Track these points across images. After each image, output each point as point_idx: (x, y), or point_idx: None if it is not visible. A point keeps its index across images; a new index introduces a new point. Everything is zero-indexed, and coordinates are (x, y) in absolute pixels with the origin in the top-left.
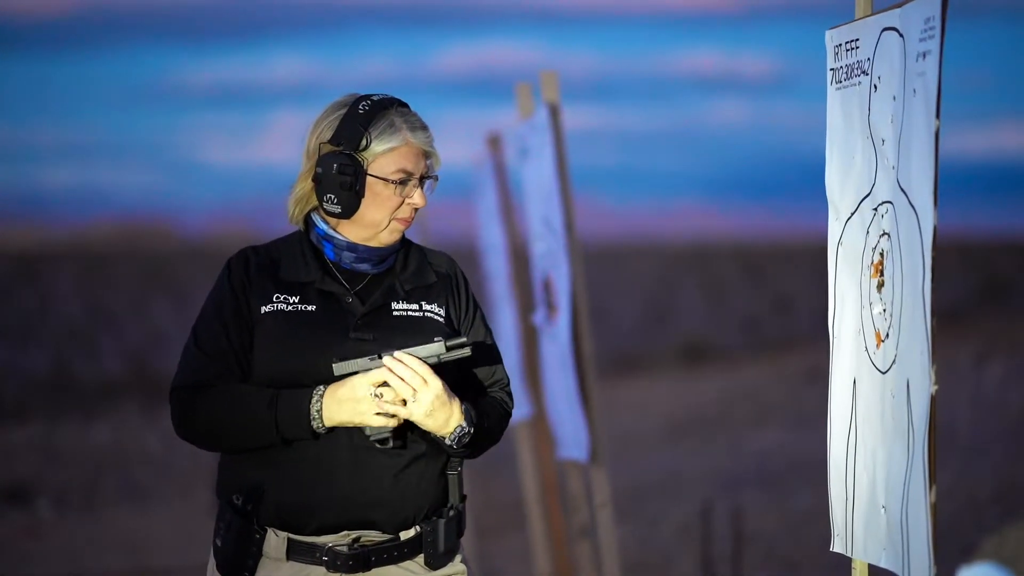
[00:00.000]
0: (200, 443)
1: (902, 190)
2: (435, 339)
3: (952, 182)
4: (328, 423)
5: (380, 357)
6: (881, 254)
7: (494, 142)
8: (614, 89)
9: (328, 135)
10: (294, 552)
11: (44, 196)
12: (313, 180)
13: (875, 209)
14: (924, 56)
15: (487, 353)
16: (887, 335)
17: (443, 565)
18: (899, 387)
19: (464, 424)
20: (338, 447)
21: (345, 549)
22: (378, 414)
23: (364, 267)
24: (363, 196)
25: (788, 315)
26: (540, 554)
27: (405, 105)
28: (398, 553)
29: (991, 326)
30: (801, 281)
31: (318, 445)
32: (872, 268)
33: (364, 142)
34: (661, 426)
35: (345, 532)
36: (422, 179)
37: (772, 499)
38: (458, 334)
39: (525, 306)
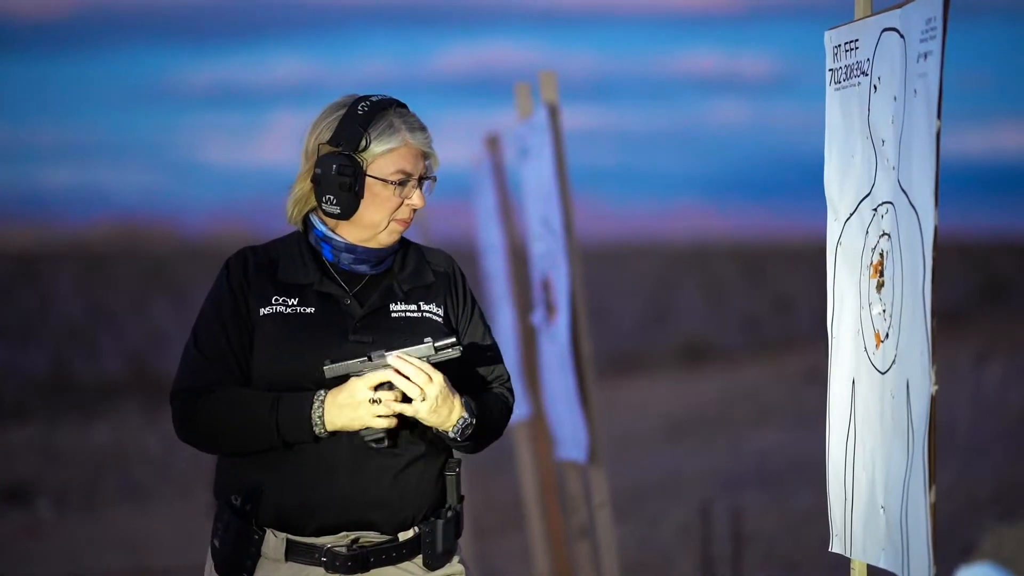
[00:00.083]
0: (201, 446)
1: (903, 190)
2: (424, 340)
3: (952, 182)
4: (330, 427)
5: (370, 359)
6: (881, 254)
7: (493, 142)
8: (614, 89)
9: (327, 136)
10: (293, 553)
11: (44, 196)
12: (312, 181)
13: (874, 209)
14: (925, 57)
15: (487, 350)
16: (887, 335)
17: (441, 566)
18: (899, 387)
19: (466, 416)
20: (337, 448)
21: (344, 550)
22: (379, 416)
23: (363, 268)
24: (362, 197)
25: (788, 315)
26: (539, 554)
27: (404, 106)
28: (397, 554)
29: (991, 326)
30: (801, 281)
31: (317, 447)
32: (871, 268)
33: (363, 143)
34: (661, 426)
35: (344, 533)
36: (421, 180)
37: (772, 499)
38: (456, 333)
39: (524, 306)
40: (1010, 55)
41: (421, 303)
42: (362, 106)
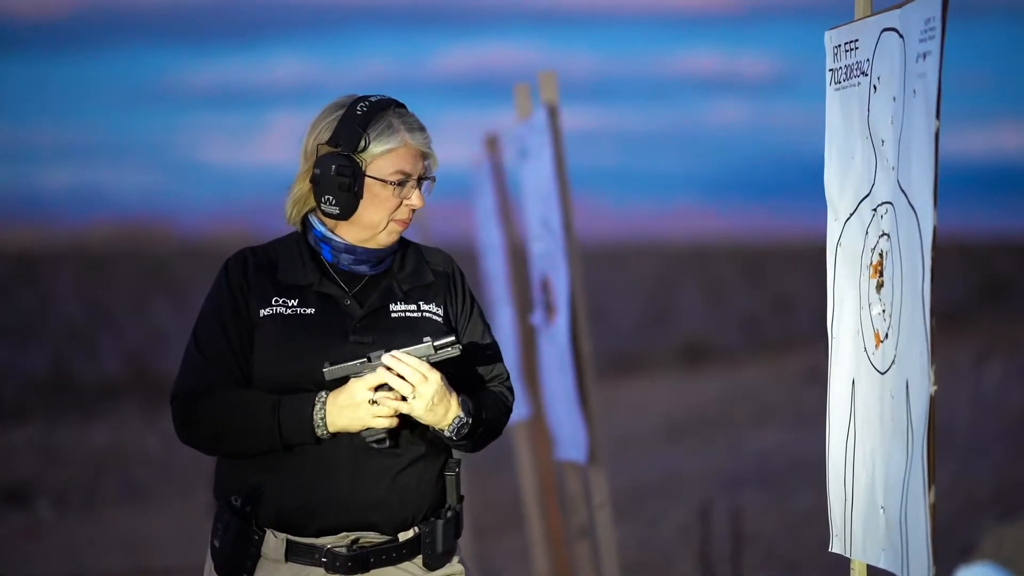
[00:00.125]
0: (202, 448)
1: (902, 191)
2: (424, 340)
3: (952, 182)
4: (332, 429)
5: (369, 360)
6: (880, 255)
7: (492, 143)
8: (613, 89)
9: (326, 136)
10: (293, 553)
11: (44, 196)
12: (311, 181)
13: (874, 210)
14: (924, 57)
15: (486, 349)
16: (886, 335)
17: (441, 566)
18: (898, 387)
19: (462, 415)
20: (337, 449)
21: (344, 550)
22: (378, 416)
23: (362, 269)
24: (361, 197)
25: (788, 315)
26: (539, 554)
27: (403, 106)
28: (396, 554)
29: (991, 326)
30: (801, 281)
31: (318, 448)
32: (871, 268)
33: (362, 143)
34: (661, 426)
35: (344, 533)
36: (420, 180)
37: (772, 499)
38: (456, 332)
39: (523, 307)
40: (1010, 55)
41: (421, 303)
42: (361, 106)
